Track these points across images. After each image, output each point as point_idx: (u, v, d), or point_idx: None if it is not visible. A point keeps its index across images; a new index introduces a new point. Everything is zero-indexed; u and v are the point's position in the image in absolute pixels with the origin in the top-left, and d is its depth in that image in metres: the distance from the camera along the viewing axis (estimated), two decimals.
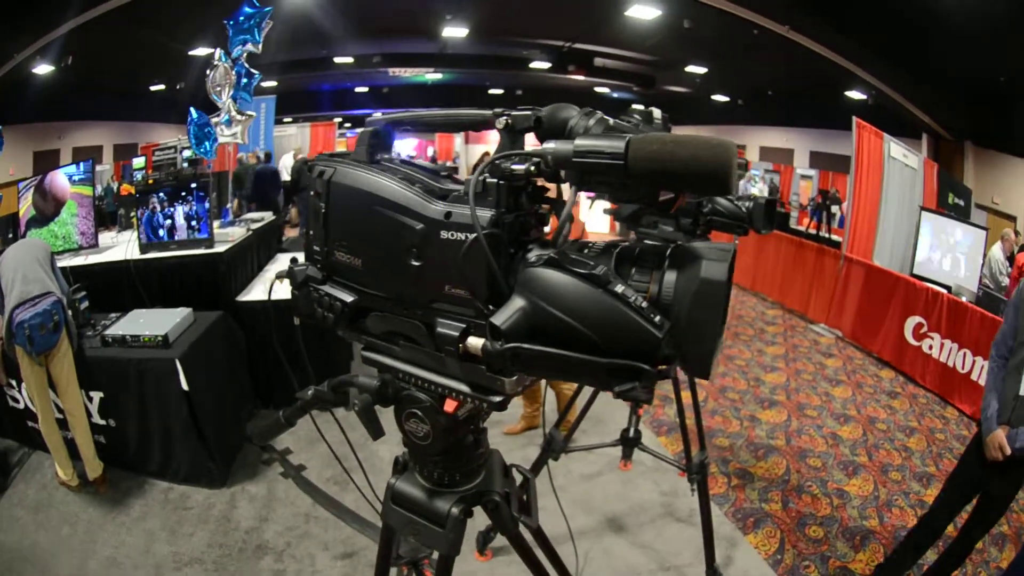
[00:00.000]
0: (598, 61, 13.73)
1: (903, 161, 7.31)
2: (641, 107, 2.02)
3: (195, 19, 8.95)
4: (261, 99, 11.31)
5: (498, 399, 0.87)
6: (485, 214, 0.79)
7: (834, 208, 11.40)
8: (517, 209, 0.81)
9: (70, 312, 3.86)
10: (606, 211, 2.62)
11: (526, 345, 0.74)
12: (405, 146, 20.83)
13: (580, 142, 0.71)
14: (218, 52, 5.17)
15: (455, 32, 12.16)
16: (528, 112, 0.80)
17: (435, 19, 11.59)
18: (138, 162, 10.91)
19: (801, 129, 14.46)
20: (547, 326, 0.73)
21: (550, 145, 0.73)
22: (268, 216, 6.09)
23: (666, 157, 0.65)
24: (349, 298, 0.98)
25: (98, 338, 3.91)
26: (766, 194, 6.64)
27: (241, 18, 5.04)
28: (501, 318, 0.74)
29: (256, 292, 4.77)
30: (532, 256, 0.78)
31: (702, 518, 2.82)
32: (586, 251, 0.79)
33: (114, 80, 12.24)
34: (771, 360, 5.82)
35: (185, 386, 3.68)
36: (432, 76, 15.74)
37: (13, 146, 10.91)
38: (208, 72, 5.24)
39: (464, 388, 0.89)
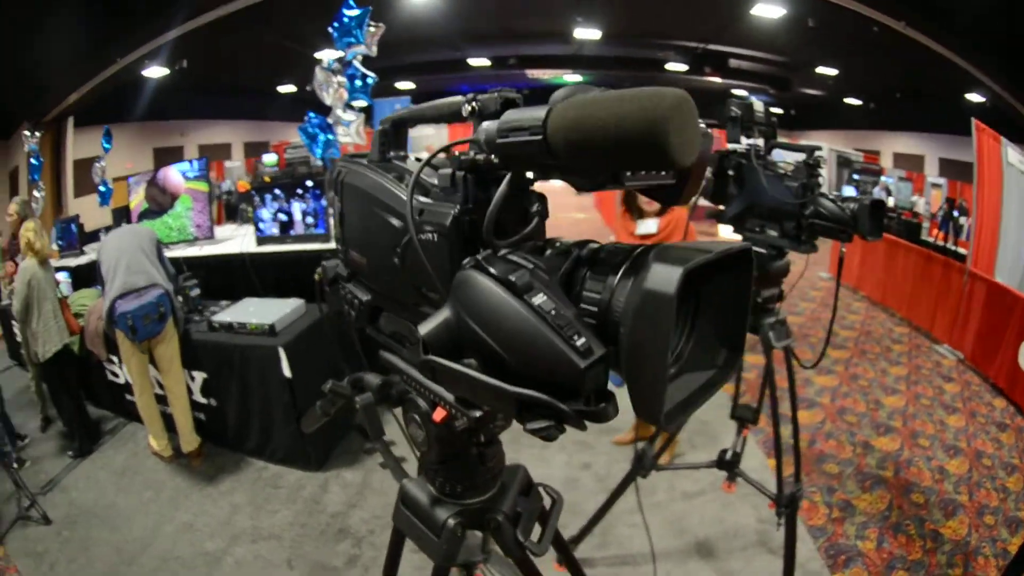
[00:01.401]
0: (733, 63, 13.36)
1: (1020, 167, 6.70)
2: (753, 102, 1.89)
3: (315, 22, 9.34)
4: (396, 100, 11.81)
5: (477, 413, 0.79)
6: (449, 211, 0.71)
7: (962, 219, 10.66)
8: (488, 204, 0.72)
9: (180, 299, 4.09)
10: (708, 213, 2.47)
11: (436, 359, 0.65)
12: None
13: (506, 116, 0.62)
14: (326, 56, 5.31)
15: (588, 34, 12.15)
16: (495, 94, 0.71)
17: (567, 21, 11.63)
18: (269, 159, 11.42)
19: (930, 134, 13.55)
20: (467, 340, 0.64)
21: (484, 125, 0.66)
22: None
23: (585, 122, 0.54)
24: (365, 296, 0.97)
25: (205, 323, 4.09)
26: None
27: (345, 20, 5.16)
28: (426, 327, 0.66)
29: None
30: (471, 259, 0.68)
31: (785, 555, 2.61)
32: (548, 252, 0.69)
33: (240, 80, 12.97)
34: (893, 382, 5.41)
35: (288, 373, 3.77)
36: (571, 78, 15.72)
37: (133, 142, 11.80)
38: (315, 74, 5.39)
39: (449, 397, 0.83)
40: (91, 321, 4.21)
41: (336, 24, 5.15)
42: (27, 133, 8.69)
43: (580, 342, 0.57)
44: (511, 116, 0.61)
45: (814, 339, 6.10)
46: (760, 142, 2.20)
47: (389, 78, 14.07)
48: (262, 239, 4.94)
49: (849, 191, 10.32)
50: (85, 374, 4.81)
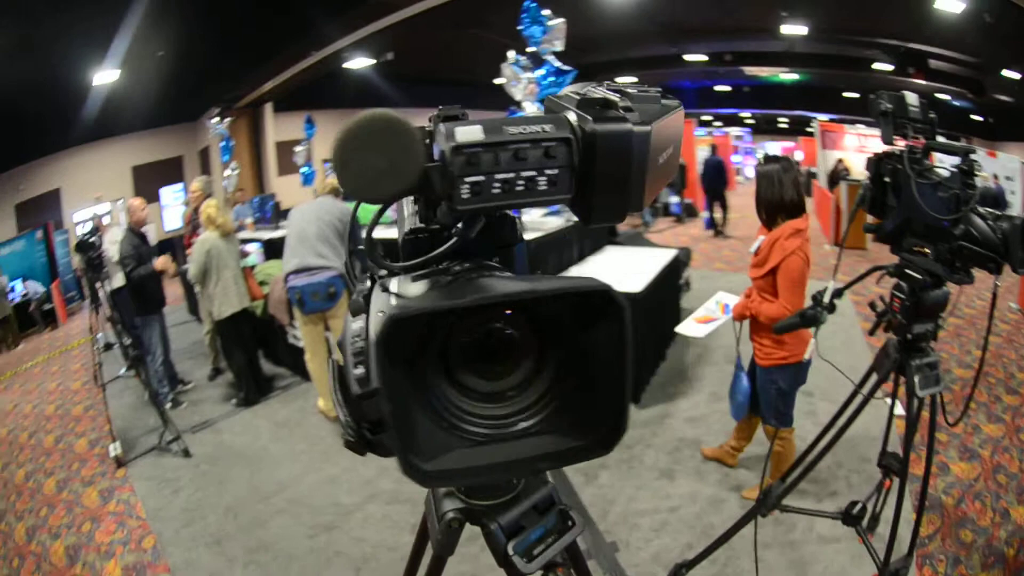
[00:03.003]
0: (932, 63, 12.16)
1: None
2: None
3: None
4: None
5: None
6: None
7: None
8: (437, 222, 0.73)
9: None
10: (866, 227, 2.21)
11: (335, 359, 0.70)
12: (774, 148, 21.65)
13: None
14: (511, 53, 5.41)
15: (794, 30, 11.67)
16: (455, 107, 0.67)
17: (773, 16, 11.23)
18: None
19: None
20: None
21: None
22: None
23: None
24: None
25: None
26: None
27: (525, 17, 5.24)
28: None
29: None
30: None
31: None
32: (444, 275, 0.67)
33: (451, 72, 13.55)
34: None
35: None
36: (788, 76, 15.35)
37: (331, 131, 12.80)
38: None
39: None
40: (275, 289, 4.66)
41: (523, 21, 5.26)
42: (215, 120, 9.56)
43: (358, 372, 0.59)
44: None
45: (992, 379, 5.44)
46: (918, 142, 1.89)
47: (609, 72, 14.18)
48: None
49: None
50: (267, 335, 5.37)
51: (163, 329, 5.11)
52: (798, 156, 20.32)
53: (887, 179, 1.96)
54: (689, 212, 13.84)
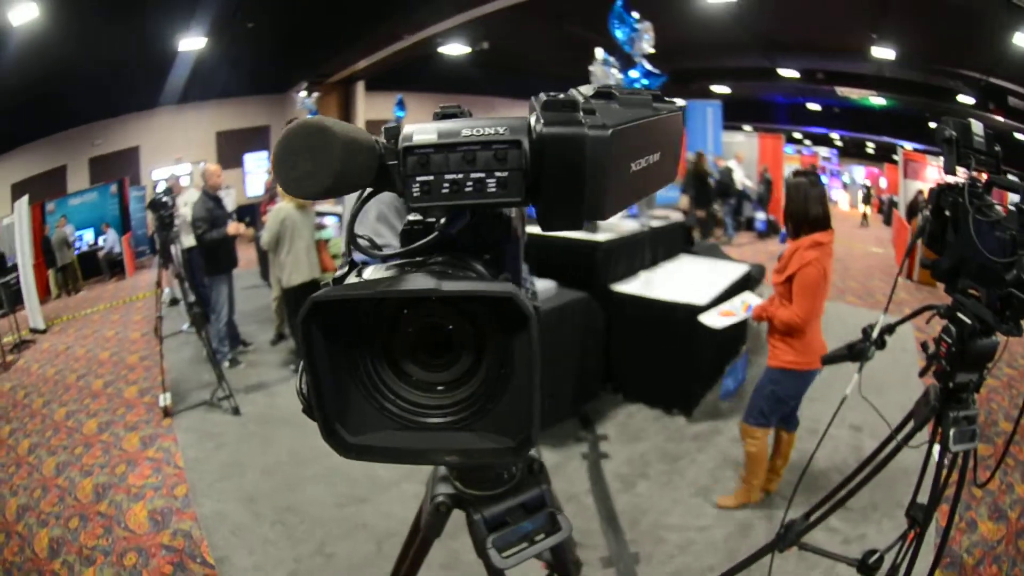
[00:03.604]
0: (1012, 101, 11.51)
1: None
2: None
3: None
4: (707, 103, 12.18)
5: None
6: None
7: None
8: (425, 219, 0.72)
9: None
10: (923, 262, 2.11)
11: None
12: (858, 174, 21.28)
13: None
14: (600, 52, 5.38)
15: (883, 53, 11.20)
16: (453, 106, 0.66)
17: (863, 37, 10.83)
18: None
19: None
20: None
21: None
22: (675, 216, 6.22)
23: None
24: None
25: None
26: None
27: (613, 17, 5.20)
28: None
29: (634, 285, 4.89)
30: None
31: None
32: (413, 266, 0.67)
33: (542, 66, 13.42)
34: None
35: None
36: (877, 101, 14.76)
37: (421, 113, 12.97)
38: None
39: None
40: None
41: (611, 20, 5.23)
42: (303, 94, 9.75)
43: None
44: None
45: None
46: (982, 175, 1.78)
47: (703, 79, 14.11)
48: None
49: None
50: None
51: (230, 290, 5.29)
52: (882, 183, 19.61)
53: (947, 212, 1.87)
54: (773, 229, 13.49)
